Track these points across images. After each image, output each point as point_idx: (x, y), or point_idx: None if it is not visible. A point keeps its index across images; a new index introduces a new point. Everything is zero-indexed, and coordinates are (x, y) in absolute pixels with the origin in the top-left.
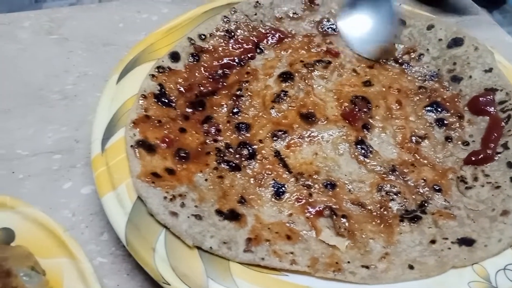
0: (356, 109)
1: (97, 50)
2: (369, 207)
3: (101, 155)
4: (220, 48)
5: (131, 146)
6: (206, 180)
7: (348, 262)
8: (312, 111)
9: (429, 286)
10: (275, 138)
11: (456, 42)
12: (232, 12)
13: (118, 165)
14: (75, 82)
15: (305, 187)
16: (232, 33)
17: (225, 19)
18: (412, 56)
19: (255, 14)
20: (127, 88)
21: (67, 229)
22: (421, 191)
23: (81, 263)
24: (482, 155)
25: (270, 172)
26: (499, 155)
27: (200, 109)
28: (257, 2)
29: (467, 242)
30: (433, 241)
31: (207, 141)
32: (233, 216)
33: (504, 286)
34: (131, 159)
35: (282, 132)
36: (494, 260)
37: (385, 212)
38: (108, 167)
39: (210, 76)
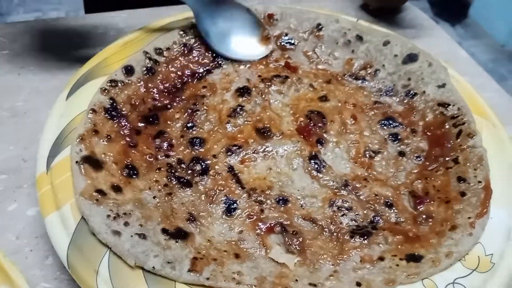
0: (311, 124)
1: (50, 66)
2: (320, 223)
3: (45, 174)
4: (176, 62)
5: (76, 162)
6: (154, 197)
7: (296, 280)
8: (268, 125)
9: None
10: (229, 153)
11: (411, 58)
12: (190, 26)
13: (63, 184)
14: (26, 99)
15: (257, 203)
16: (190, 47)
17: (182, 34)
18: (368, 72)
19: None
20: (77, 104)
21: (10, 253)
22: (373, 206)
23: None
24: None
25: (222, 188)
26: (449, 169)
27: (153, 123)
28: None
29: (415, 258)
30: (381, 258)
31: (159, 156)
32: (179, 234)
33: None
34: (75, 176)
35: (237, 147)
36: (444, 274)
37: (336, 228)
38: (52, 186)
39: (166, 90)
